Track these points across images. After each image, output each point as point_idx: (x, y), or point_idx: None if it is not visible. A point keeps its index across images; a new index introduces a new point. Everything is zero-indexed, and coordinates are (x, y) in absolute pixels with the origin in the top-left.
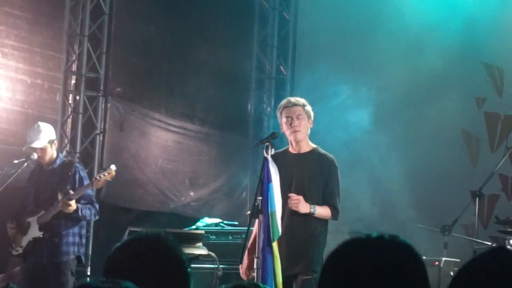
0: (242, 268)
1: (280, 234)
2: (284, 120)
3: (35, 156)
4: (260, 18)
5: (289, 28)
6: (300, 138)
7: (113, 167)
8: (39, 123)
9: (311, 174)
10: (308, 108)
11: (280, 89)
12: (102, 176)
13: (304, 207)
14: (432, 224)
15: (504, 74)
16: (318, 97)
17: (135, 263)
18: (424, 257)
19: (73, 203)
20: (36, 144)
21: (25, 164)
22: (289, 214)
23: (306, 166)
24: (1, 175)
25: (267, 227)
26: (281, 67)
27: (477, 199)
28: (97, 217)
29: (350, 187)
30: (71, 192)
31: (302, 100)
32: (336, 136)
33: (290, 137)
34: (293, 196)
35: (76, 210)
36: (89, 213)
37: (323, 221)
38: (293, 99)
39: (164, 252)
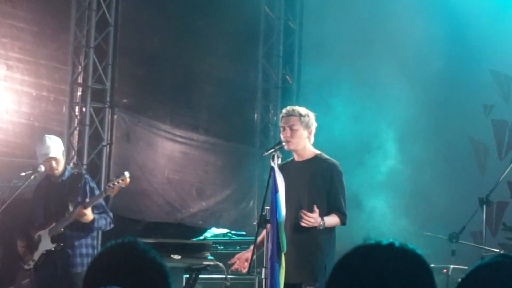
0: (234, 259)
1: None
2: (281, 129)
3: (42, 168)
4: (265, 28)
5: (294, 38)
6: (292, 148)
7: (126, 173)
8: (48, 136)
9: (312, 180)
10: (306, 118)
11: (286, 98)
12: (116, 183)
13: (315, 222)
14: (440, 231)
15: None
16: (324, 105)
17: (112, 273)
18: (432, 265)
19: (89, 212)
20: (54, 154)
21: (32, 176)
22: (293, 222)
23: (307, 172)
24: (9, 187)
25: (276, 237)
26: (287, 77)
27: (485, 206)
28: (112, 226)
29: (359, 194)
30: (87, 200)
31: (300, 110)
32: (344, 143)
33: (285, 147)
34: (307, 214)
35: (93, 221)
36: (105, 222)
37: (328, 229)
38: (290, 109)
39: (139, 257)
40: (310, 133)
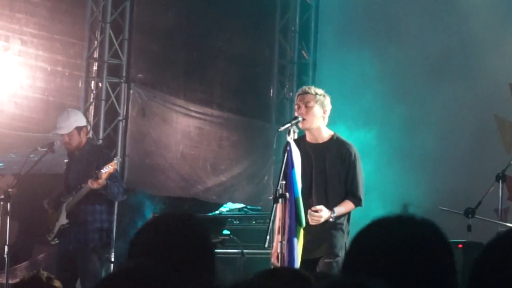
0: (273, 254)
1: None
2: (295, 107)
3: (57, 143)
4: (281, 3)
5: (311, 13)
6: (306, 127)
7: (115, 159)
8: (69, 109)
9: (332, 164)
10: (322, 97)
11: (303, 74)
12: (106, 169)
13: (325, 217)
14: (460, 208)
15: None
16: (341, 81)
17: (159, 243)
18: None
19: (101, 180)
20: (61, 131)
21: (47, 152)
22: (307, 204)
23: (326, 155)
24: (25, 162)
25: (294, 212)
26: (303, 52)
27: (501, 181)
28: (124, 197)
29: (375, 169)
30: (102, 171)
31: (317, 90)
32: (360, 119)
33: (299, 125)
34: (314, 214)
35: (106, 186)
36: (117, 190)
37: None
38: (306, 87)
39: (188, 231)
40: (324, 113)
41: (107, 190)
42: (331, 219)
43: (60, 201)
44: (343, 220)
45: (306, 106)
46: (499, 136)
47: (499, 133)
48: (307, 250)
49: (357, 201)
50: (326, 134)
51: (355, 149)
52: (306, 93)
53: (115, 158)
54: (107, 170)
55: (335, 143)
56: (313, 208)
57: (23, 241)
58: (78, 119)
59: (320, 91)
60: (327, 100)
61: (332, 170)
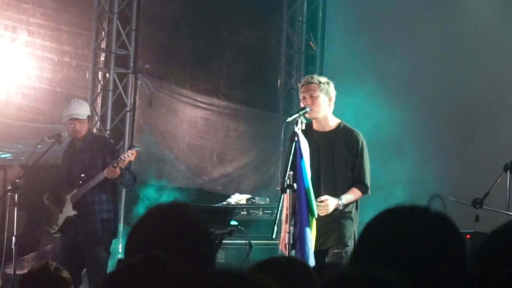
0: (281, 243)
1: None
2: (300, 97)
3: (64, 134)
4: None
5: (318, 3)
6: (313, 116)
7: (136, 147)
8: (78, 98)
9: (339, 152)
10: (326, 85)
11: (310, 64)
12: (126, 156)
13: (332, 207)
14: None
15: None
16: (349, 72)
17: (156, 236)
18: None
19: (117, 170)
20: (79, 117)
21: (54, 142)
22: (321, 195)
23: (334, 144)
24: (32, 153)
25: (305, 203)
26: (310, 43)
27: (508, 172)
28: (134, 185)
29: (382, 159)
30: (118, 159)
31: (320, 78)
32: (368, 110)
33: (306, 115)
34: (320, 203)
35: (121, 175)
36: (130, 177)
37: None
38: (308, 77)
39: (184, 221)
40: (330, 100)
41: (122, 178)
42: (340, 207)
43: (60, 193)
44: (352, 209)
45: (311, 96)
46: None
47: None
48: (317, 241)
49: (364, 189)
50: (333, 122)
51: (362, 137)
52: (310, 83)
53: (135, 146)
54: (127, 157)
55: (342, 131)
56: (318, 199)
57: (30, 232)
58: (88, 108)
59: (323, 79)
60: (331, 87)
61: (339, 158)
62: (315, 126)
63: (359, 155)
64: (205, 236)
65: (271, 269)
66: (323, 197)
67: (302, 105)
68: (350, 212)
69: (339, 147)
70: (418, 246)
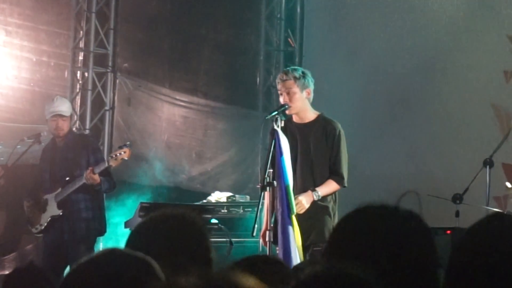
0: (262, 236)
1: None
2: (279, 92)
3: (44, 133)
4: None
5: (296, 0)
6: (293, 112)
7: (128, 145)
8: (59, 96)
9: (317, 143)
10: (302, 80)
11: (289, 61)
12: (118, 154)
13: (308, 201)
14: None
15: None
16: (328, 68)
17: (158, 240)
18: (436, 226)
19: (96, 175)
20: (63, 113)
21: (34, 142)
22: (299, 187)
23: (311, 135)
24: (12, 153)
25: (285, 200)
26: (289, 39)
27: (488, 167)
28: (114, 189)
29: (361, 154)
30: (94, 167)
31: (295, 73)
32: (348, 105)
33: (286, 112)
34: (297, 202)
35: (99, 183)
36: (108, 185)
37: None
38: (284, 74)
39: (188, 231)
40: (309, 94)
41: (100, 187)
42: (315, 198)
43: (41, 192)
44: (329, 203)
45: (289, 93)
46: (497, 124)
47: (496, 121)
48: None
49: (340, 179)
50: (312, 114)
51: (340, 126)
52: (286, 80)
53: (127, 144)
54: (120, 155)
55: (320, 121)
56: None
57: (10, 232)
58: (71, 107)
59: (298, 73)
60: (308, 79)
61: (316, 150)
62: (295, 118)
63: (335, 145)
64: (207, 247)
65: (247, 268)
66: (295, 199)
67: (281, 100)
68: (327, 207)
69: (316, 138)
70: (387, 244)
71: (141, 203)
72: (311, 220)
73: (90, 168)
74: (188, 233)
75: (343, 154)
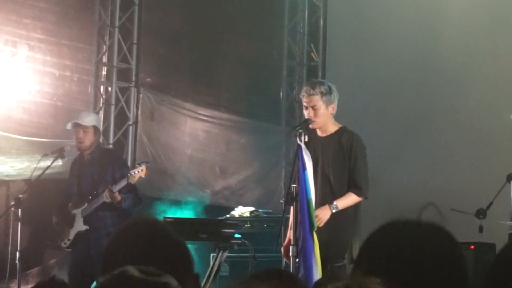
0: (283, 249)
1: None
2: (303, 105)
3: (67, 148)
4: (289, 5)
5: (319, 14)
6: (316, 127)
7: (145, 164)
8: (86, 111)
9: (335, 155)
10: (328, 96)
11: (312, 75)
12: (136, 172)
13: (325, 214)
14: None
15: None
16: (352, 82)
17: (132, 251)
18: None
19: (116, 193)
20: (82, 122)
21: (57, 157)
22: (320, 201)
23: (330, 147)
24: (35, 168)
25: (307, 215)
26: (312, 54)
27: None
28: (139, 205)
29: (383, 167)
30: (113, 186)
31: (321, 87)
32: (370, 118)
33: (309, 126)
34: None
35: (120, 201)
36: (131, 202)
37: (352, 207)
38: (310, 88)
39: (160, 235)
40: (333, 109)
41: (122, 205)
42: (333, 211)
43: (69, 207)
44: (349, 217)
45: (314, 109)
46: None
47: None
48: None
49: (359, 192)
50: (334, 126)
51: (360, 139)
52: (312, 94)
53: (144, 162)
54: (137, 173)
55: (341, 134)
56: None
57: (34, 246)
58: (97, 120)
59: (324, 88)
60: (334, 95)
61: (334, 162)
62: (319, 132)
63: (352, 156)
64: (180, 248)
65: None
66: (320, 212)
67: (305, 113)
68: (347, 220)
69: (334, 151)
70: (411, 261)
71: (165, 217)
72: (331, 235)
73: (109, 186)
74: (160, 239)
75: (361, 165)
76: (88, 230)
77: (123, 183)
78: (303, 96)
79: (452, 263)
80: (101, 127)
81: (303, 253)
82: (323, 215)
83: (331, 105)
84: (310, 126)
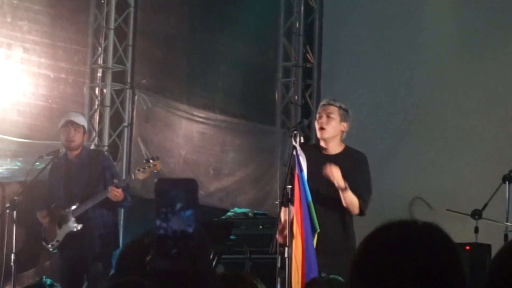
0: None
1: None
2: (317, 116)
3: (63, 150)
4: (285, 6)
5: (315, 16)
6: (325, 137)
7: (157, 158)
8: (74, 111)
9: (343, 175)
10: (345, 113)
11: (307, 77)
12: (147, 167)
13: (338, 172)
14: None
15: None
16: (346, 84)
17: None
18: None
19: (120, 191)
20: (75, 119)
21: (52, 159)
22: (322, 215)
23: (341, 168)
24: (30, 169)
25: (308, 217)
26: (307, 55)
27: (507, 183)
28: (132, 203)
29: (378, 169)
30: (116, 180)
31: (341, 104)
32: (365, 121)
33: (318, 134)
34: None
35: (124, 199)
36: (130, 200)
37: (350, 218)
38: (331, 99)
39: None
40: (345, 128)
41: (124, 203)
42: (344, 187)
43: (53, 209)
44: (347, 229)
45: (328, 117)
46: None
47: None
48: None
49: (362, 203)
50: (339, 146)
51: (364, 157)
52: (330, 104)
53: (155, 158)
54: (149, 168)
55: (348, 154)
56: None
57: (29, 248)
58: (85, 122)
59: (343, 105)
60: (350, 116)
61: (345, 178)
62: (323, 149)
63: (355, 173)
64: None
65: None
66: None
67: (316, 124)
68: (351, 227)
69: (343, 171)
70: (408, 261)
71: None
72: (329, 245)
73: (115, 181)
74: None
75: (366, 181)
76: (80, 231)
77: (127, 180)
78: (322, 105)
79: (449, 263)
80: (94, 128)
81: (305, 257)
82: (335, 171)
83: (344, 122)
84: (318, 134)
